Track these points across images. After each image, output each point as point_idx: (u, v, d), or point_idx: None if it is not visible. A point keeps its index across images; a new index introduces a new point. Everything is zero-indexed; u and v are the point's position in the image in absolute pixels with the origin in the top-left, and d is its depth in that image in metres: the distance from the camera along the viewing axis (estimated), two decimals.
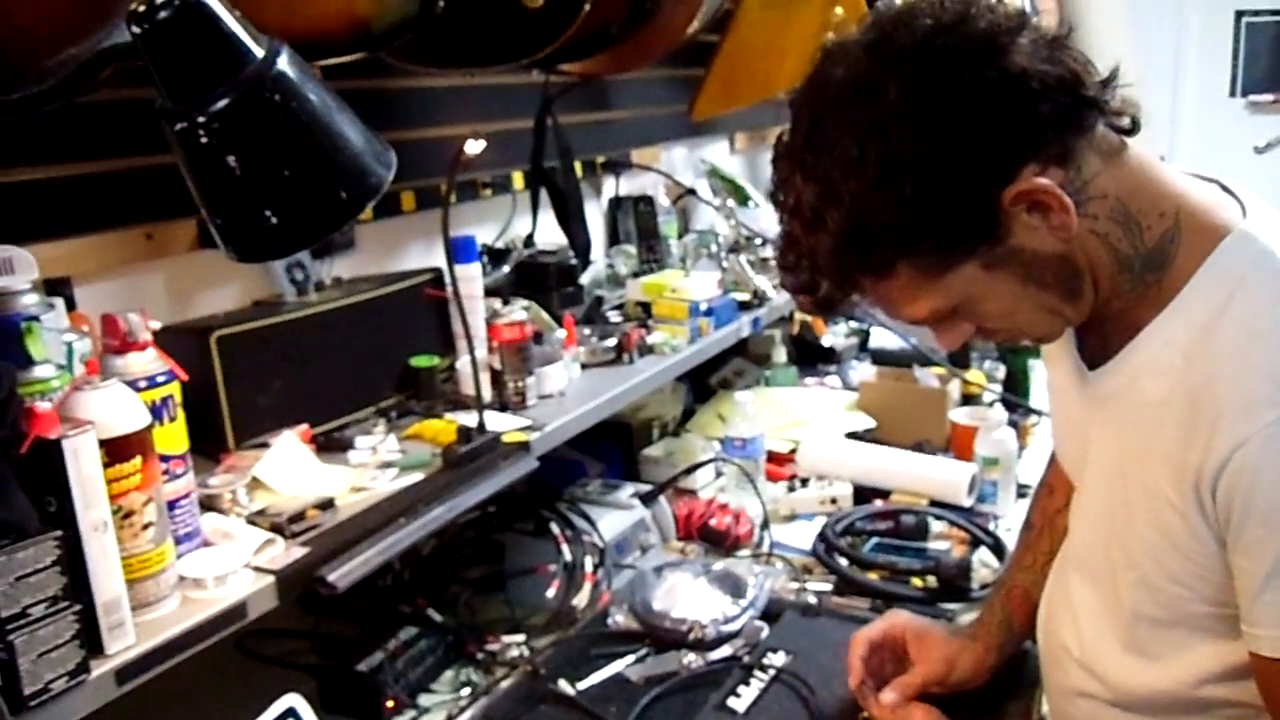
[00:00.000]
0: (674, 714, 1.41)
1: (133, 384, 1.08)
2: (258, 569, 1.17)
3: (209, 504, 1.27)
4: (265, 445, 1.42)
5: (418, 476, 1.41)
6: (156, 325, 1.24)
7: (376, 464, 1.44)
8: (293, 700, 1.21)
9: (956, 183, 0.91)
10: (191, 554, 1.16)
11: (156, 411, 1.10)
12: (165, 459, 1.12)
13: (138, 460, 1.03)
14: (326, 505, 1.28)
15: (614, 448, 2.25)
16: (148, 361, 1.11)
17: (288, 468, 1.37)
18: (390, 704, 1.55)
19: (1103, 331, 1.04)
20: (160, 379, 1.12)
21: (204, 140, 0.94)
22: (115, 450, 1.01)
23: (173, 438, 1.14)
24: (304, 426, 1.47)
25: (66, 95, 1.00)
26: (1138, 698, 1.07)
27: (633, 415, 2.30)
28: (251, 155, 0.94)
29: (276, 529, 1.23)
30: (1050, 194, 0.92)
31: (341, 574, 1.20)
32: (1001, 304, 1.00)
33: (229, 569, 1.14)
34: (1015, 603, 1.40)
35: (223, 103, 0.94)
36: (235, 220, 0.97)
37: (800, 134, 0.97)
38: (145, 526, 1.05)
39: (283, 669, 1.64)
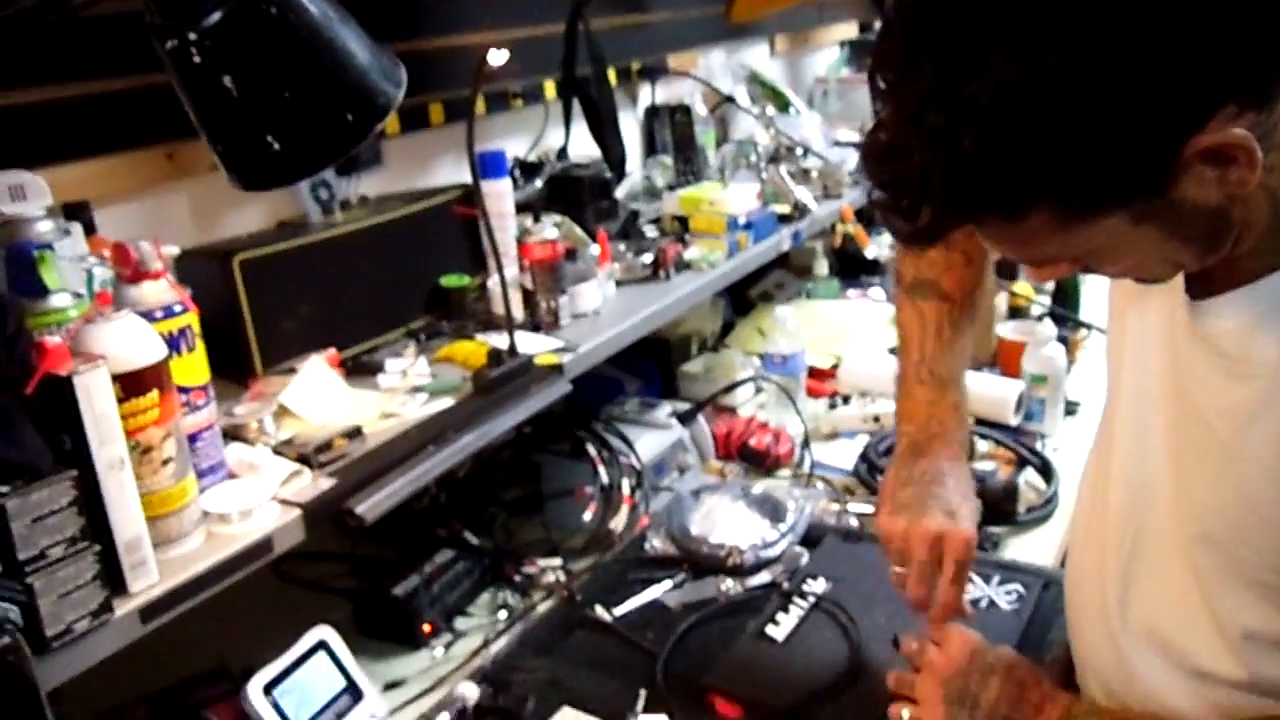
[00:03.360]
0: (711, 641, 1.38)
1: (148, 315, 1.05)
2: (284, 502, 1.15)
3: (234, 434, 1.24)
4: (293, 370, 1.39)
5: (448, 402, 1.38)
6: (174, 250, 1.20)
7: (406, 388, 1.40)
8: (323, 632, 1.19)
9: (1142, 124, 0.75)
10: (215, 488, 1.14)
11: (173, 342, 1.07)
12: (185, 391, 1.09)
13: (155, 394, 1.00)
14: (354, 434, 1.25)
15: (652, 364, 2.21)
16: (163, 291, 1.07)
17: (315, 394, 1.34)
18: (426, 628, 1.54)
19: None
20: (177, 308, 1.08)
21: (197, 59, 0.88)
22: (130, 384, 0.98)
23: (192, 369, 1.11)
24: (331, 351, 1.43)
25: (55, 8, 0.94)
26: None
27: (670, 331, 2.25)
28: (248, 75, 0.88)
29: (303, 459, 1.21)
30: (1243, 147, 0.76)
31: (369, 506, 1.18)
32: (1134, 257, 0.88)
33: (254, 503, 1.11)
34: (961, 399, 1.32)
35: (215, 17, 0.87)
36: (236, 146, 0.91)
37: (931, 12, 0.78)
38: (165, 462, 1.02)
39: (318, 593, 1.64)
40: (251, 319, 1.40)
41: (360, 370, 1.48)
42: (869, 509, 1.75)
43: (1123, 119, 0.74)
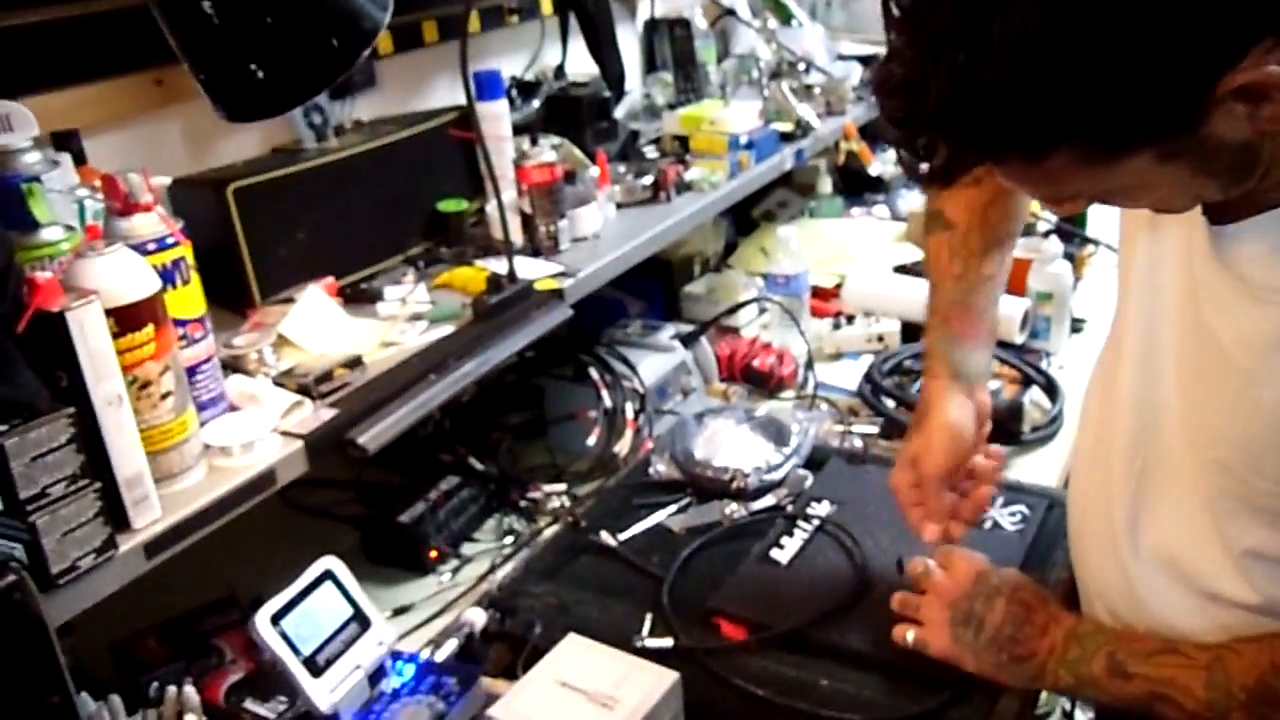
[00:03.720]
0: (716, 565, 1.39)
1: (140, 247, 1.03)
2: (285, 433, 1.14)
3: (234, 365, 1.23)
4: (291, 300, 1.37)
5: (448, 329, 1.36)
6: (165, 181, 1.18)
7: (406, 316, 1.39)
8: (329, 562, 1.19)
9: (1175, 60, 0.72)
10: (216, 421, 1.13)
11: (168, 275, 1.05)
12: (181, 324, 1.08)
13: (150, 328, 0.99)
14: (354, 364, 1.24)
15: (654, 285, 2.19)
16: (154, 223, 1.05)
17: (314, 323, 1.32)
18: (433, 554, 1.55)
19: None
20: (170, 240, 1.06)
21: None
22: (125, 319, 0.97)
23: (188, 301, 1.09)
24: (330, 279, 1.42)
25: None
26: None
27: (672, 252, 2.22)
28: (229, 0, 0.85)
29: (304, 390, 1.20)
30: (1277, 85, 0.73)
31: (371, 436, 1.17)
32: (1158, 194, 0.86)
33: (256, 435, 1.11)
34: (961, 324, 1.30)
35: None
36: (220, 76, 0.89)
37: None
38: (164, 396, 1.02)
39: (326, 520, 1.65)
40: (248, 248, 1.38)
41: (359, 298, 1.46)
42: (873, 430, 1.75)
43: (1155, 55, 0.72)
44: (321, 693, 1.12)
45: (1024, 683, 1.14)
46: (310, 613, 1.16)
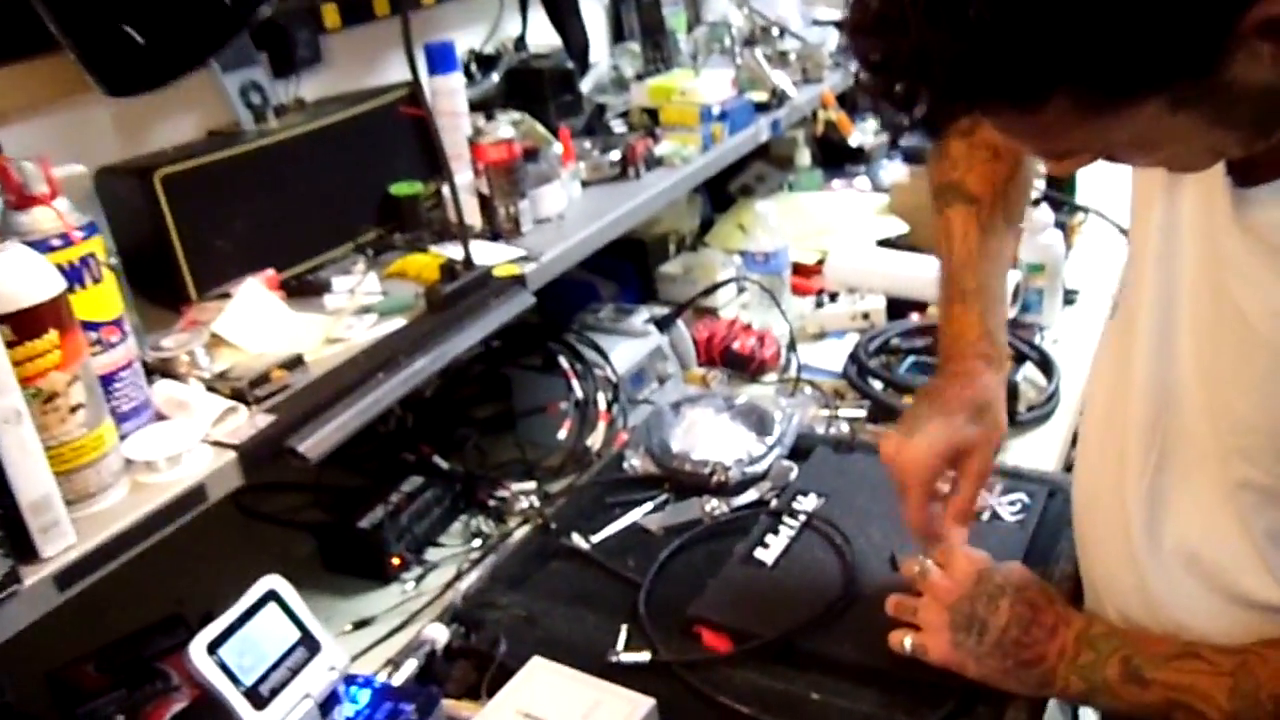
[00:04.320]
0: (696, 568, 1.29)
1: (41, 244, 0.92)
2: (217, 443, 1.04)
3: (163, 369, 1.13)
4: (231, 295, 1.27)
5: (399, 322, 1.26)
6: (77, 169, 1.07)
7: (353, 309, 1.29)
8: (272, 582, 1.09)
9: None
10: (139, 433, 1.03)
11: (74, 274, 0.94)
12: (93, 327, 0.97)
13: (53, 334, 0.88)
14: (295, 364, 1.14)
15: (627, 266, 2.09)
16: (57, 217, 0.94)
17: (252, 320, 1.22)
18: (395, 561, 1.45)
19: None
20: (78, 235, 0.96)
21: None
22: (22, 325, 0.86)
23: (100, 302, 0.98)
24: (270, 271, 1.31)
25: None
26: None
27: (646, 231, 2.13)
28: None
29: (238, 395, 1.09)
30: None
31: (314, 443, 1.07)
32: (1170, 148, 0.76)
33: (183, 447, 1.01)
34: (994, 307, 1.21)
35: None
36: (94, 42, 0.78)
37: None
38: (74, 409, 0.91)
39: (282, 528, 1.55)
40: (180, 240, 1.28)
41: (305, 291, 1.36)
42: (860, 414, 1.65)
43: None
44: None
45: (1032, 690, 1.05)
46: (252, 638, 1.06)
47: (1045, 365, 1.74)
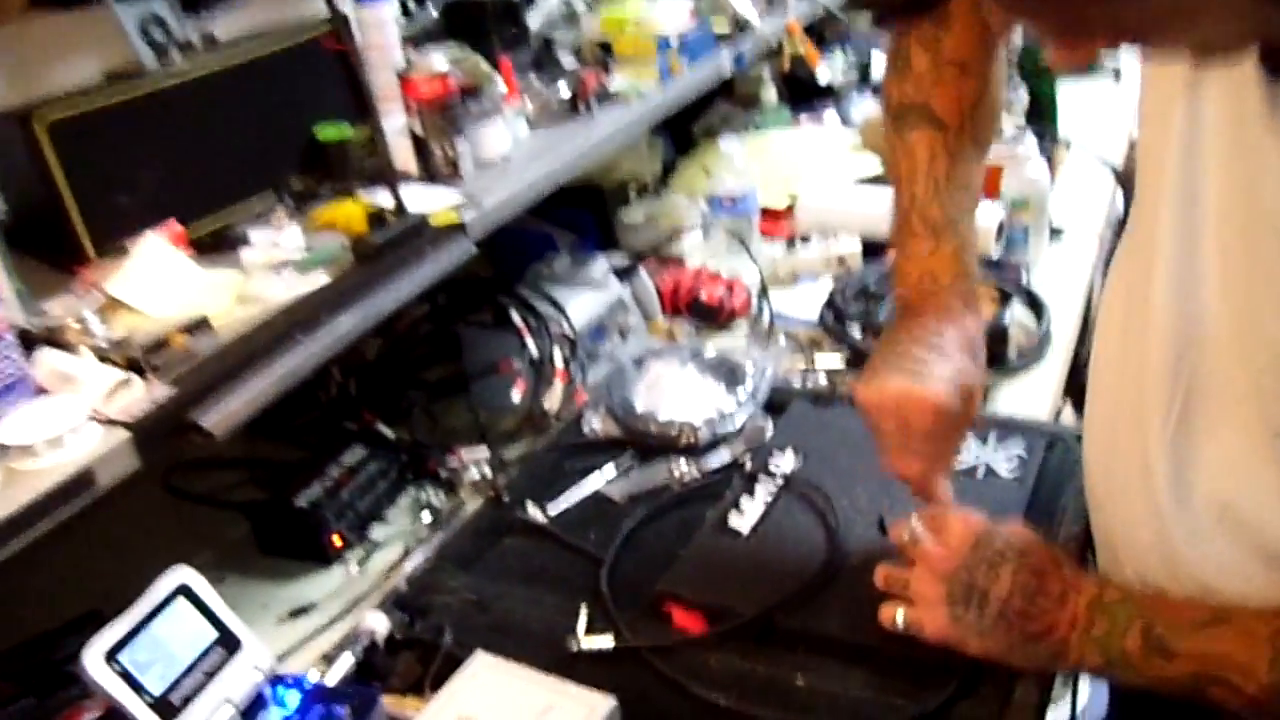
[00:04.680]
0: (665, 540, 1.17)
1: None
2: (107, 421, 0.90)
3: (49, 338, 0.99)
4: None
5: (323, 277, 1.12)
6: None
7: (270, 264, 1.15)
8: (183, 575, 0.96)
9: None
10: (16, 412, 0.89)
11: None
12: None
13: None
14: (198, 327, 1.00)
15: (585, 215, 1.95)
16: None
17: (154, 280, 1.08)
18: (337, 542, 1.32)
19: None
20: None
21: None
22: None
23: None
24: (175, 225, 1.17)
25: None
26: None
27: (604, 176, 1.99)
28: None
29: (133, 365, 0.96)
30: None
31: (220, 417, 0.94)
32: (1203, 27, 0.63)
33: (66, 427, 0.87)
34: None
35: None
36: None
37: None
38: None
39: (214, 509, 1.42)
40: (72, 194, 1.13)
41: (220, 246, 1.21)
42: (839, 364, 1.53)
43: None
44: None
45: (1042, 664, 0.94)
46: (160, 639, 0.93)
47: (1034, 306, 1.62)
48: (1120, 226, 2.02)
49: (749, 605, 1.03)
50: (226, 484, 1.46)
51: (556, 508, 1.25)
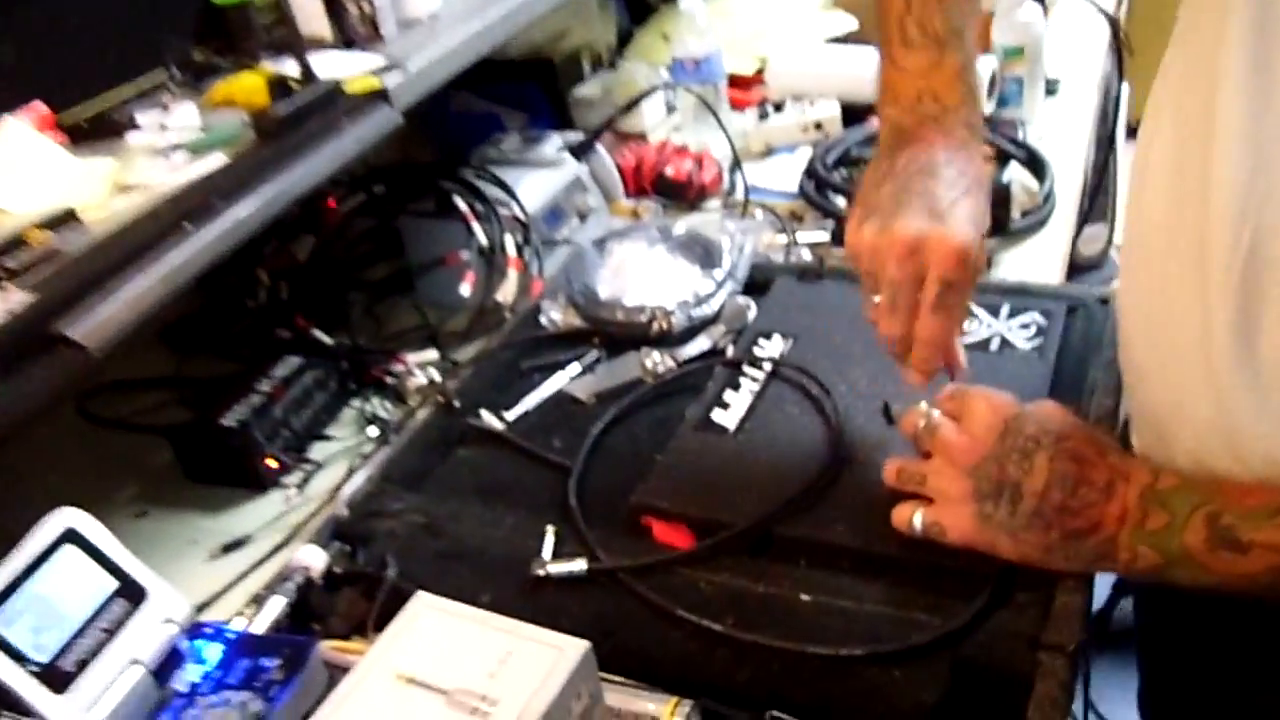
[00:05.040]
0: (641, 442, 1.02)
1: None
2: None
3: None
4: None
5: (219, 159, 0.95)
6: None
7: (156, 149, 0.97)
8: (68, 518, 0.81)
9: None
10: None
11: None
12: None
13: None
14: (62, 221, 0.83)
15: (535, 91, 1.77)
16: None
17: (15, 171, 0.90)
18: (271, 464, 1.17)
19: None
20: None
21: None
22: None
23: None
24: (39, 108, 0.99)
25: None
26: None
27: (553, 47, 1.80)
28: None
29: None
30: None
31: (93, 327, 0.77)
32: None
33: None
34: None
35: None
36: None
37: None
38: None
39: (132, 433, 1.26)
40: None
41: (103, 133, 1.04)
42: (824, 236, 1.38)
43: None
44: (71, 713, 0.75)
45: (1086, 565, 0.80)
46: (43, 597, 0.78)
47: (1035, 164, 1.47)
48: (1118, 79, 1.86)
49: (741, 514, 0.89)
50: (150, 406, 1.30)
51: (515, 413, 1.10)
